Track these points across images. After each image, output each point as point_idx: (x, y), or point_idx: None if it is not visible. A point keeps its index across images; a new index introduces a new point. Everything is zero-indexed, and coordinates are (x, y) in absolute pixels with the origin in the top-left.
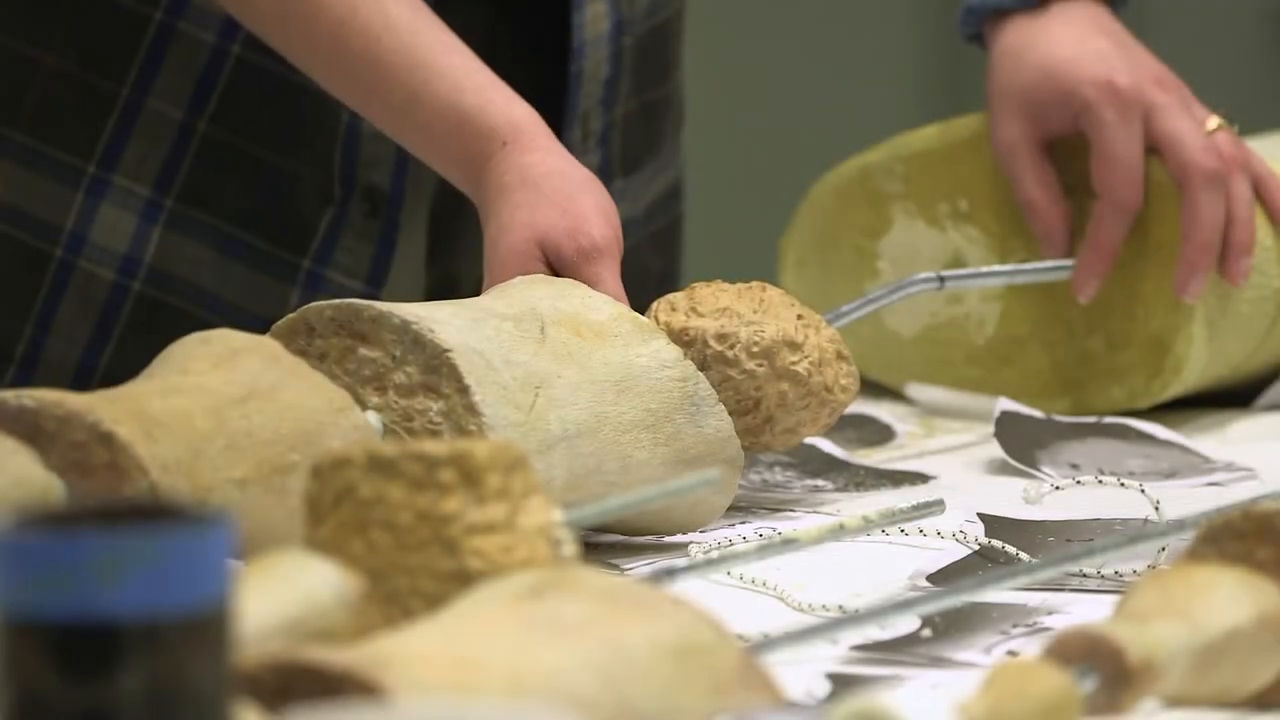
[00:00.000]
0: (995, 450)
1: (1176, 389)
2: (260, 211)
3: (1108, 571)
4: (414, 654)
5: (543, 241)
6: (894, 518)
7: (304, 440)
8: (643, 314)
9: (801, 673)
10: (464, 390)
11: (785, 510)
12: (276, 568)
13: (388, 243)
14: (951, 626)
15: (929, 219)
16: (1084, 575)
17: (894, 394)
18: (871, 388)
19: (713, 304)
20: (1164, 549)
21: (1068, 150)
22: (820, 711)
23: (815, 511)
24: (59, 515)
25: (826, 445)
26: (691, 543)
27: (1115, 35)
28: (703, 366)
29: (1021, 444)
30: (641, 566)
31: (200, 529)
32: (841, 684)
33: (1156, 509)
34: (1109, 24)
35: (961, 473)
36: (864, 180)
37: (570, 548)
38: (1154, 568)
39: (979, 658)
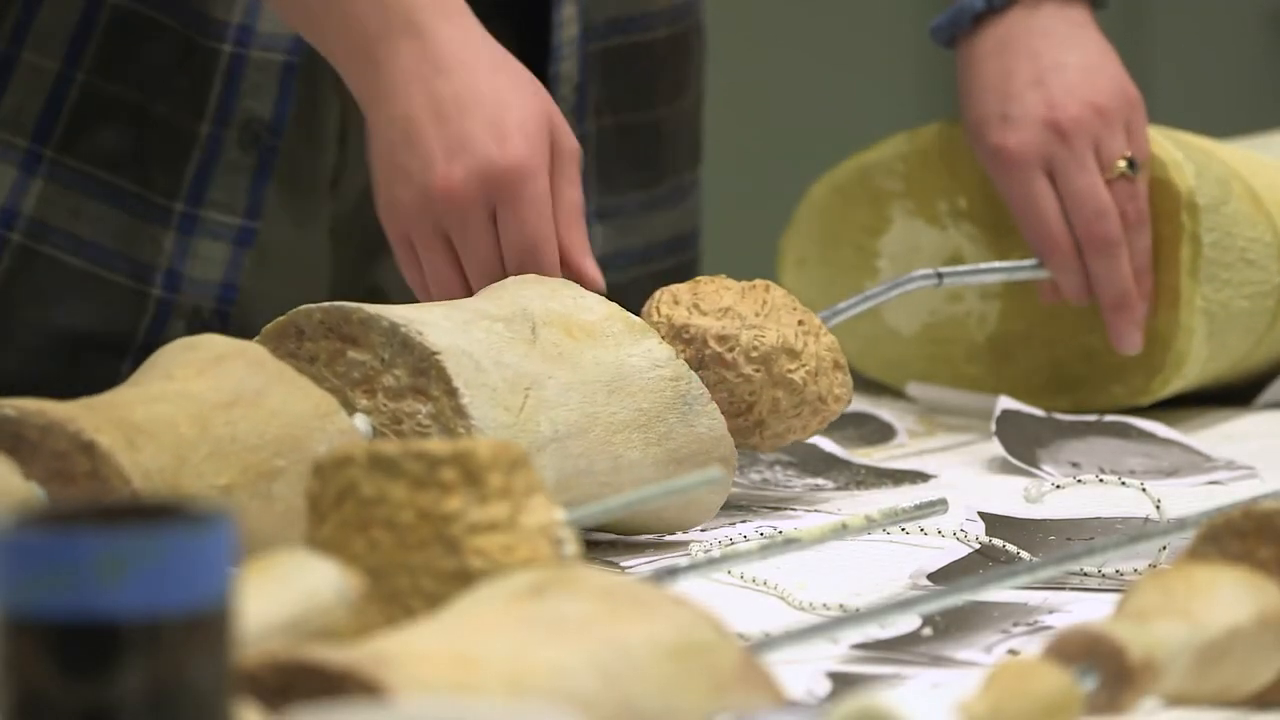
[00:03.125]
0: (996, 449)
1: (1177, 385)
2: (134, 155)
3: (1108, 570)
4: (415, 653)
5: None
6: (897, 517)
7: (289, 446)
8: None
9: (802, 672)
10: (452, 393)
11: (786, 509)
12: (277, 567)
13: (264, 173)
14: (952, 625)
15: (929, 217)
16: (1085, 574)
17: (894, 392)
18: (872, 386)
19: (715, 302)
20: (1165, 548)
21: None
22: (821, 710)
23: (816, 510)
24: (60, 515)
25: (827, 444)
26: (692, 542)
27: (1056, 51)
28: (700, 365)
29: (1022, 442)
30: (642, 566)
31: (201, 528)
32: (842, 683)
33: (1157, 508)
34: (1057, 32)
35: (962, 471)
36: (864, 179)
37: (571, 547)
38: (1155, 567)
39: (980, 657)
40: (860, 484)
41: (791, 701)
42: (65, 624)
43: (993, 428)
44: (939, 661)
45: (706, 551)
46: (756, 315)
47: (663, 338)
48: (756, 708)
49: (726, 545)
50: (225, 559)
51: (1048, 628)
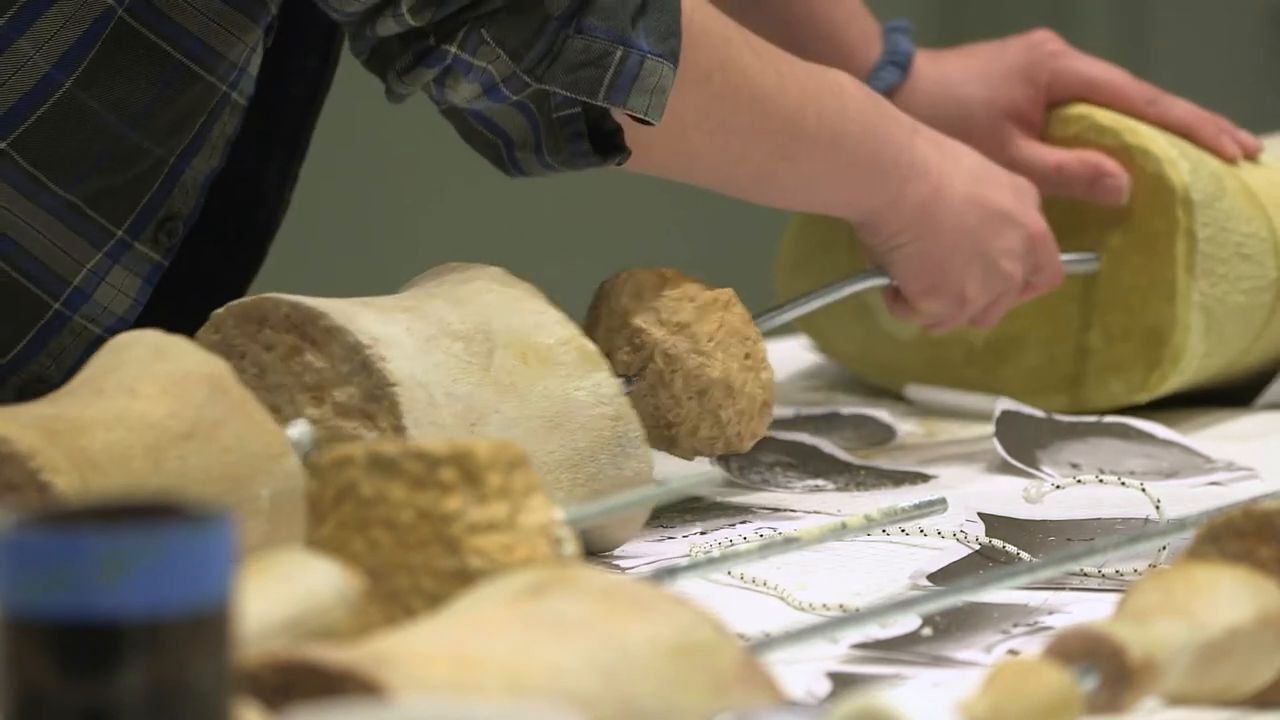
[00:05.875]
0: (996, 449)
1: (1175, 381)
2: (91, 171)
3: (1109, 571)
4: (415, 653)
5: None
6: (896, 517)
7: (234, 484)
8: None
9: (802, 672)
10: (400, 430)
11: (785, 510)
12: (278, 566)
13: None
14: (952, 625)
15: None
16: (1085, 574)
17: (893, 395)
18: (871, 389)
19: (675, 314)
20: (1165, 548)
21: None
22: (821, 710)
23: (816, 511)
24: (61, 514)
25: (827, 445)
26: (692, 542)
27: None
28: (641, 373)
29: (1022, 443)
30: (642, 566)
31: (201, 528)
32: (842, 683)
33: (1157, 508)
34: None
35: (962, 472)
36: None
37: (571, 546)
38: (1155, 567)
39: (980, 657)
40: (860, 485)
41: (791, 701)
42: (65, 624)
43: (992, 429)
44: (939, 661)
45: (706, 552)
46: (709, 340)
47: (614, 331)
48: (756, 708)
49: (726, 545)
50: (226, 559)
51: (1048, 628)
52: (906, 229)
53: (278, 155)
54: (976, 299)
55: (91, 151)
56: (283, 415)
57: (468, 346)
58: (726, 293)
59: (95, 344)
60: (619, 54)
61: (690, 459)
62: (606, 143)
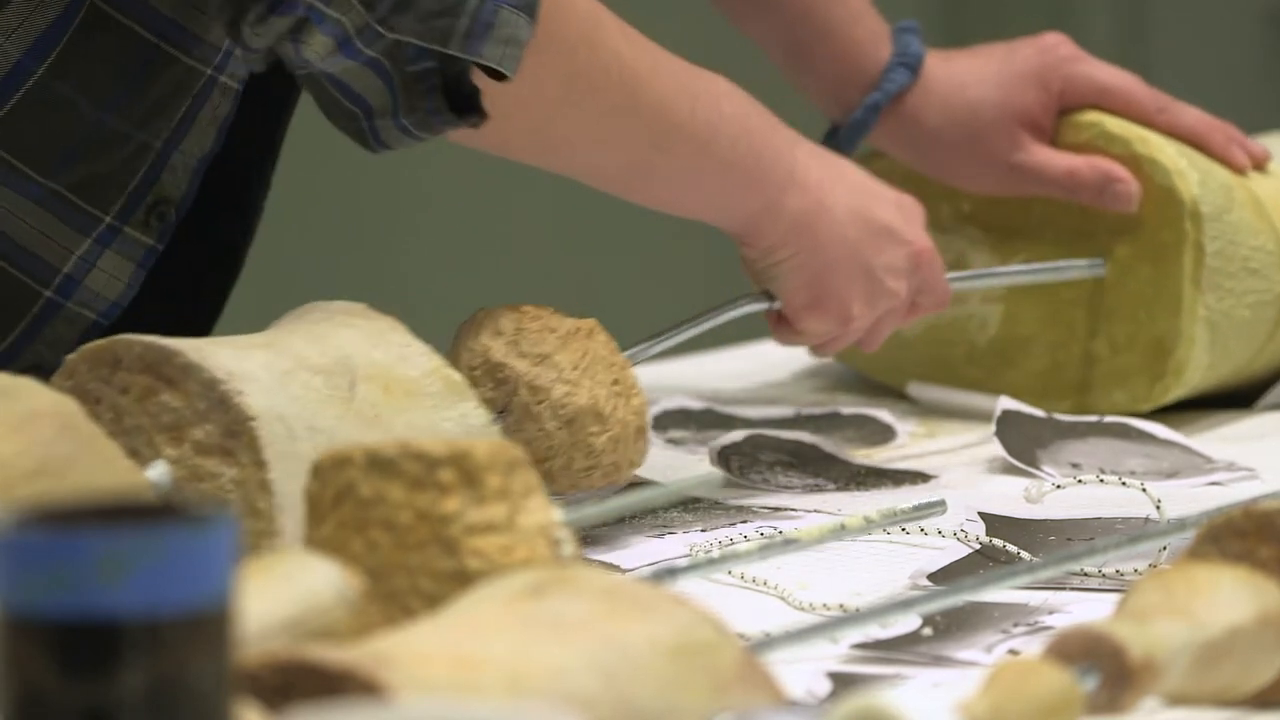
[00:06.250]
0: (996, 449)
1: (1178, 393)
2: (73, 159)
3: (1109, 570)
4: (415, 653)
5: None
6: (895, 517)
7: None
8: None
9: (803, 671)
10: (260, 465)
11: (786, 510)
12: (278, 566)
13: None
14: (953, 625)
15: (931, 221)
16: (1085, 574)
17: (895, 393)
18: (872, 387)
19: (536, 345)
20: (1165, 548)
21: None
22: (821, 710)
23: (816, 511)
24: (60, 514)
25: (827, 444)
26: (693, 542)
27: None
28: (506, 408)
29: (1022, 443)
30: (642, 566)
31: (202, 528)
32: (842, 683)
33: (1158, 508)
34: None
35: (962, 472)
36: None
37: (570, 547)
38: (1155, 567)
39: (980, 657)
40: (860, 484)
41: (791, 701)
42: (65, 624)
43: (993, 428)
44: (939, 661)
45: (706, 552)
46: (574, 369)
47: (475, 369)
48: (757, 707)
49: (726, 545)
50: (226, 559)
51: (1048, 628)
52: (787, 241)
53: (253, 157)
54: (861, 316)
55: (70, 138)
56: (142, 458)
57: (328, 380)
58: (589, 322)
59: (91, 330)
60: (473, 2)
61: (559, 492)
62: (465, 105)
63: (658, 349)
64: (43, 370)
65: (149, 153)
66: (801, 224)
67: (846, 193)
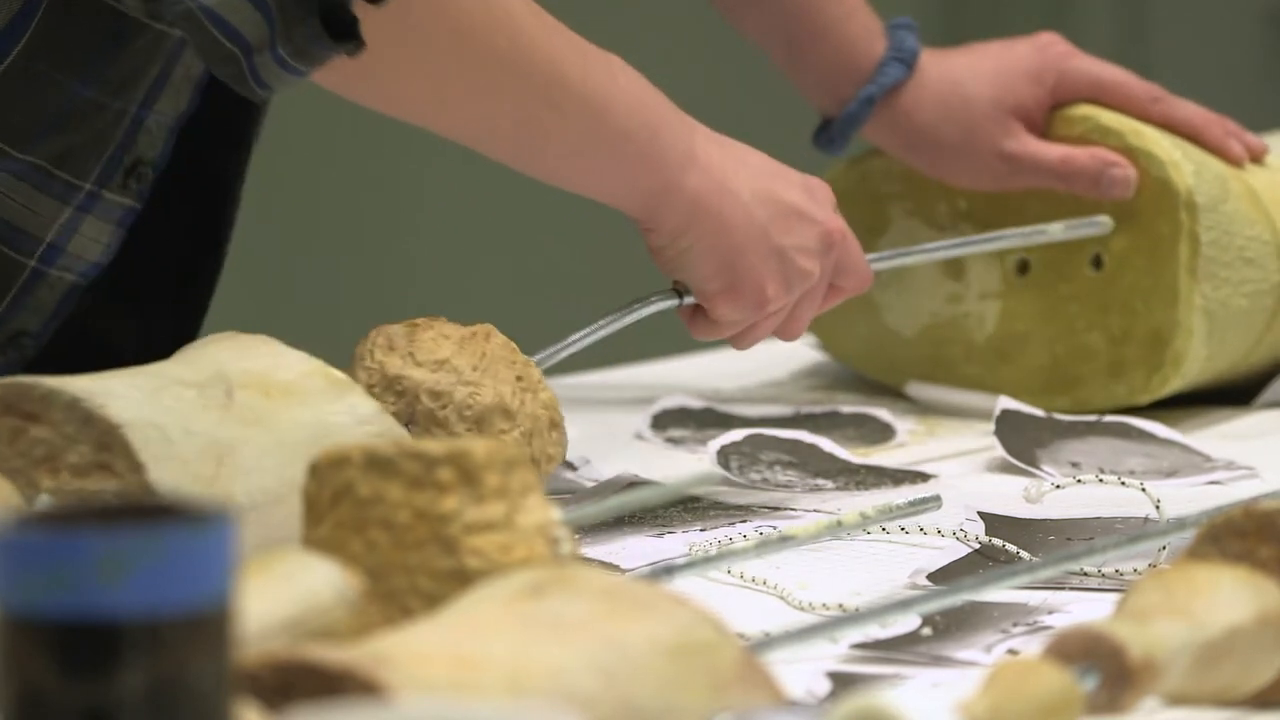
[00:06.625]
0: (996, 449)
1: (1177, 384)
2: (51, 132)
3: (1108, 570)
4: (414, 652)
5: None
6: (890, 514)
7: None
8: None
9: (802, 671)
10: (138, 468)
11: (785, 509)
12: (278, 566)
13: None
14: (952, 625)
15: (928, 218)
16: (1085, 574)
17: (894, 393)
18: (872, 386)
19: (432, 353)
20: (1165, 548)
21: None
22: (821, 710)
23: (815, 510)
24: (60, 514)
25: (827, 444)
26: (691, 541)
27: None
28: (410, 419)
29: (1022, 442)
30: (642, 565)
31: (202, 528)
32: (842, 683)
33: (1157, 508)
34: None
35: (962, 471)
36: (863, 180)
37: (568, 546)
38: (1155, 566)
39: (980, 656)
40: (860, 484)
41: (791, 701)
42: (65, 624)
43: (992, 428)
44: (939, 661)
45: (704, 551)
46: (474, 370)
47: (374, 386)
48: (756, 707)
49: (724, 544)
50: (226, 559)
51: (1048, 628)
52: (691, 225)
53: (227, 145)
54: (776, 298)
55: (47, 113)
56: (27, 499)
57: (202, 392)
58: (485, 327)
59: (71, 291)
60: None
61: None
62: (344, 32)
63: (565, 354)
64: (27, 336)
65: (125, 119)
66: (705, 206)
67: (750, 175)
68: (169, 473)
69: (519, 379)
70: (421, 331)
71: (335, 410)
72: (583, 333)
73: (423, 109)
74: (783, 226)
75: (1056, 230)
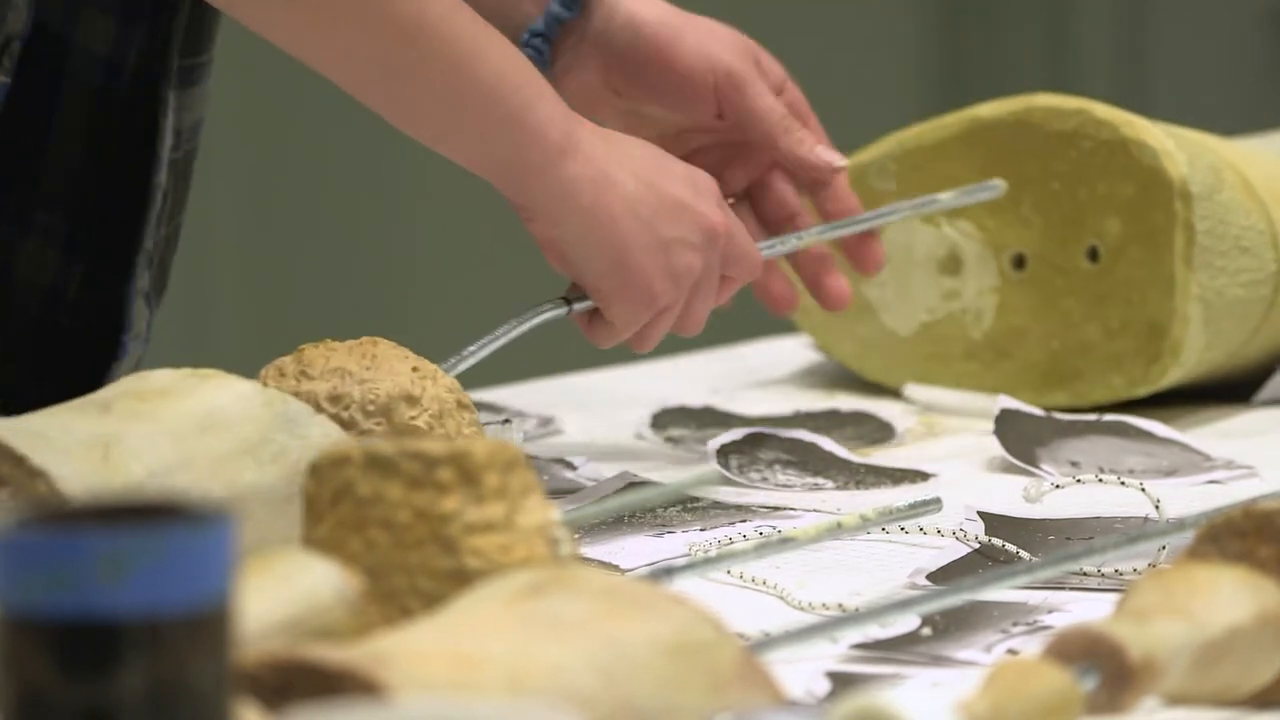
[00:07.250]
0: (995, 448)
1: (1175, 374)
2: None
3: (1108, 570)
4: (414, 652)
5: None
6: (891, 516)
7: None
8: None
9: (802, 671)
10: (20, 460)
11: (785, 509)
12: (277, 566)
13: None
14: (952, 625)
15: (923, 216)
16: (1084, 574)
17: (893, 393)
18: (871, 387)
19: (323, 365)
20: (1164, 547)
21: None
22: (820, 710)
23: (815, 510)
24: (60, 513)
25: (826, 444)
26: (691, 541)
27: None
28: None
29: (1021, 442)
30: (641, 565)
31: (201, 528)
32: (842, 682)
33: (1157, 507)
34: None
35: (961, 471)
36: (859, 178)
37: (568, 546)
38: (1155, 566)
39: (979, 656)
40: (860, 484)
41: (791, 701)
42: (65, 624)
43: (992, 427)
44: (938, 661)
45: (704, 551)
46: (367, 370)
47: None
48: (756, 707)
49: (724, 544)
50: (226, 559)
51: (1047, 627)
52: (569, 213)
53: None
54: (665, 294)
55: None
56: None
57: (76, 410)
58: (371, 337)
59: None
60: None
61: None
62: None
63: (460, 368)
64: None
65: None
66: (589, 197)
67: (635, 167)
68: (52, 458)
69: (415, 369)
70: (307, 353)
71: (219, 399)
72: (474, 348)
73: (288, 37)
74: (667, 219)
75: (947, 198)
